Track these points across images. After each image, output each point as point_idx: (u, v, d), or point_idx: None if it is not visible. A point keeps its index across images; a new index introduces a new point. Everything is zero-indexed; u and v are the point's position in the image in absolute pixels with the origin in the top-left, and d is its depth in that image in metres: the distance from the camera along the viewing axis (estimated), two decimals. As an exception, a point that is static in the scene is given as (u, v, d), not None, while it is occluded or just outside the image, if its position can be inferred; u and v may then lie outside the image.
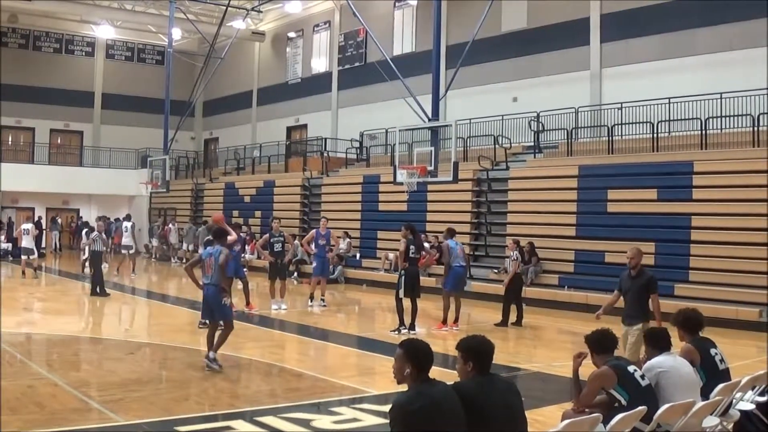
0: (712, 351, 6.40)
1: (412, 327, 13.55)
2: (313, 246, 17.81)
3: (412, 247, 13.75)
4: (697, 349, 6.31)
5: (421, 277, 19.03)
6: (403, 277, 13.63)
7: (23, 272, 22.67)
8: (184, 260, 30.86)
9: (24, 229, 23.44)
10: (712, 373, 6.20)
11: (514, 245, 16.04)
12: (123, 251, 25.47)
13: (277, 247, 16.46)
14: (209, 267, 10.21)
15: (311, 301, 17.50)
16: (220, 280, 10.16)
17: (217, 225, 12.68)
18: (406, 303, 13.66)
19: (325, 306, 17.36)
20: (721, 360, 6.41)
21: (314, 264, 18.09)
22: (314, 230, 18.30)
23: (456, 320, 14.36)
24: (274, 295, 16.54)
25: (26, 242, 23.02)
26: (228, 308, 10.36)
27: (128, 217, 27.48)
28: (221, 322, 10.38)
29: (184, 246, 30.96)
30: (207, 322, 11.65)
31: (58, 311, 16.51)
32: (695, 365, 6.08)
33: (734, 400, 6.23)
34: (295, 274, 24.00)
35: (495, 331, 14.16)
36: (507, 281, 15.49)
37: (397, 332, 13.23)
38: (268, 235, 16.88)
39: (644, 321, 8.85)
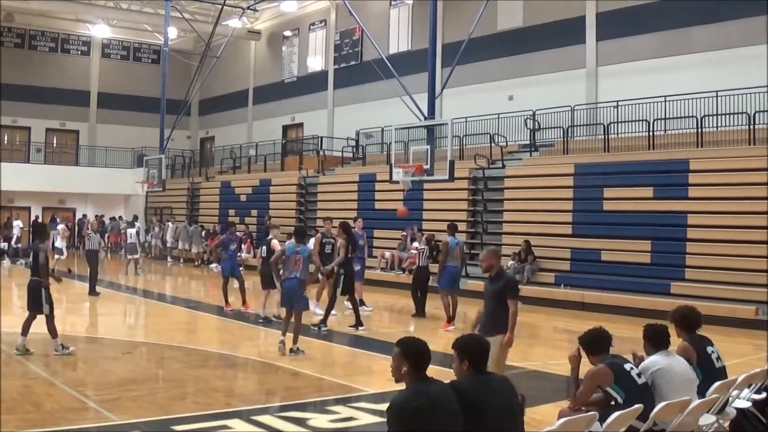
0: (709, 349, 6.39)
1: (359, 323, 13.84)
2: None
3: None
4: (693, 347, 6.30)
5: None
6: (342, 277, 13.85)
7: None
8: (181, 259, 30.90)
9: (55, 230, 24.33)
10: (708, 371, 6.20)
11: (422, 237, 17.86)
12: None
13: (327, 249, 15.27)
14: (294, 263, 11.15)
15: (365, 306, 16.54)
16: (305, 275, 11.27)
17: (299, 225, 13.55)
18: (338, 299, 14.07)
19: (371, 310, 16.61)
20: (718, 358, 6.40)
21: (356, 267, 16.33)
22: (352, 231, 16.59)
23: (452, 319, 14.36)
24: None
25: (58, 242, 23.81)
26: (306, 300, 11.58)
27: (135, 218, 28.57)
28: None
29: (180, 245, 30.90)
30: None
31: (55, 310, 16.46)
32: (692, 363, 6.07)
33: (730, 398, 6.24)
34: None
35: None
36: (416, 267, 16.49)
37: (318, 329, 13.30)
38: (320, 235, 15.76)
39: (502, 332, 7.47)
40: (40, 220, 36.31)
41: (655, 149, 19.02)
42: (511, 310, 7.48)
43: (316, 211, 27.05)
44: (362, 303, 16.60)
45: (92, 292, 18.12)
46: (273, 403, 8.38)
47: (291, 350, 10.95)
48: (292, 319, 11.23)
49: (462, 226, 21.11)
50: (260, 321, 14.44)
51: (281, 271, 11.53)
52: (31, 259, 10.99)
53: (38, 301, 10.60)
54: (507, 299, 7.51)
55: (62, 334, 12.66)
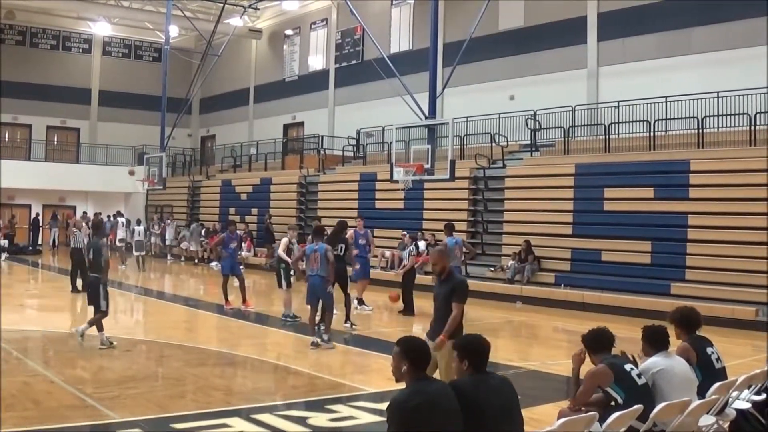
0: (709, 350, 6.38)
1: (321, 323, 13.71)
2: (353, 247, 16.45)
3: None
4: (693, 347, 6.29)
5: (418, 275, 19.00)
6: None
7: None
8: (182, 258, 30.89)
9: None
10: (708, 372, 6.19)
11: (411, 240, 18.71)
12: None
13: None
14: (314, 261, 11.71)
15: (363, 305, 16.39)
16: (327, 271, 11.66)
17: (317, 225, 14.00)
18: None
19: (371, 310, 16.43)
20: (718, 359, 6.39)
21: (356, 266, 16.47)
22: (352, 230, 16.63)
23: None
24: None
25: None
26: (331, 296, 11.92)
27: (119, 214, 29.43)
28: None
29: (184, 244, 30.85)
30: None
31: (54, 308, 16.47)
32: (691, 364, 6.07)
33: (730, 399, 6.23)
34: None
35: (490, 329, 14.15)
36: (405, 270, 16.90)
37: (317, 328, 12.75)
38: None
39: (452, 338, 6.57)
40: (40, 217, 36.43)
41: (655, 150, 19.02)
42: (453, 313, 6.92)
43: (316, 210, 27.03)
44: (362, 302, 16.61)
45: (74, 289, 17.87)
46: (272, 401, 8.37)
47: (323, 340, 11.51)
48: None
49: (462, 226, 21.14)
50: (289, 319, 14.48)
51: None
52: (91, 255, 11.17)
53: (96, 297, 11.07)
54: (452, 302, 6.96)
55: (61, 331, 12.71)
